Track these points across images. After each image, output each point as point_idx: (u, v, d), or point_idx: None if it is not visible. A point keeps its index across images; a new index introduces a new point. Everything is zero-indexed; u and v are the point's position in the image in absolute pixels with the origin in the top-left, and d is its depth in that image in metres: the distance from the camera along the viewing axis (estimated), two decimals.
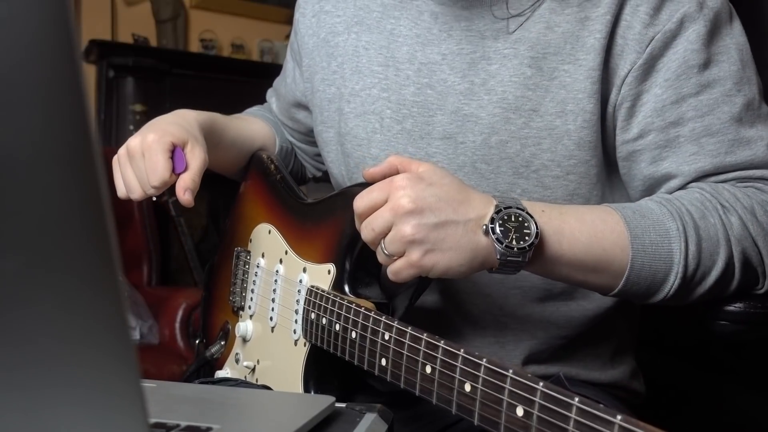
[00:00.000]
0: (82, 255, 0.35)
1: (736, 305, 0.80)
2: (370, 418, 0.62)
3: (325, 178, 1.09)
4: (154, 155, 0.85)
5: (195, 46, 3.62)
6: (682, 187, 0.80)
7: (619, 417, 0.44)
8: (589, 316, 0.89)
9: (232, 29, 3.72)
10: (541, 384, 0.50)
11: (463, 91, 0.85)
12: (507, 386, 0.53)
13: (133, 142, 0.87)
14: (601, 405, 0.46)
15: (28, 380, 0.36)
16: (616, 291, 0.76)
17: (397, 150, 0.89)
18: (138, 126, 3.19)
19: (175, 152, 0.87)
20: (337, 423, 0.61)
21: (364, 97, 0.92)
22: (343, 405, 0.64)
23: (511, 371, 0.53)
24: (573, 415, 0.47)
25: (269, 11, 3.78)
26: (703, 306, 0.80)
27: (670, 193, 0.81)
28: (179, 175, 0.87)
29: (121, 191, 0.89)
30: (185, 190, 0.86)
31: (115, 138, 3.16)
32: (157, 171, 0.84)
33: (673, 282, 0.75)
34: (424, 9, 0.90)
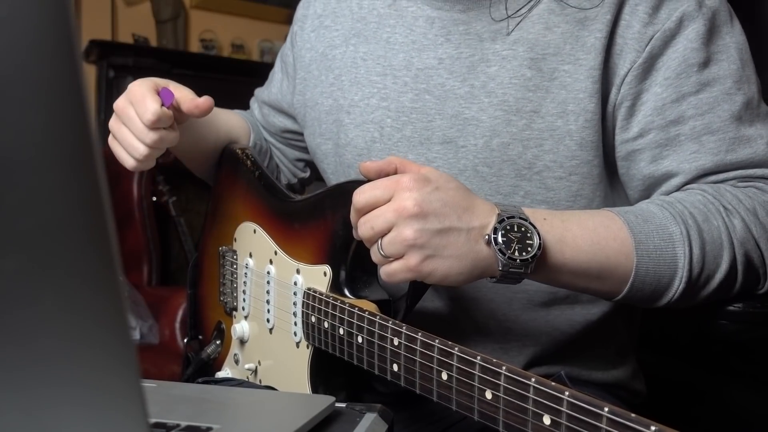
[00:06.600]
0: (82, 255, 0.35)
1: (735, 305, 0.80)
2: (370, 418, 0.62)
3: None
4: (140, 97, 0.84)
5: (195, 46, 3.62)
6: (683, 185, 0.80)
7: (653, 428, 0.43)
8: (592, 319, 0.89)
9: (232, 29, 3.72)
10: (567, 393, 0.49)
11: (464, 95, 0.85)
12: (531, 395, 0.52)
13: (118, 101, 0.86)
14: (633, 415, 0.45)
15: (28, 380, 0.36)
16: (620, 297, 0.75)
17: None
18: None
19: (160, 92, 0.86)
20: (337, 423, 0.61)
21: (363, 107, 0.92)
22: (344, 405, 0.64)
23: (533, 380, 0.52)
24: (604, 426, 0.46)
25: (269, 11, 3.78)
26: (703, 306, 0.80)
27: (670, 192, 0.81)
28: (170, 107, 0.86)
29: (126, 160, 0.88)
30: (193, 101, 0.87)
31: None
32: (148, 107, 0.83)
33: (677, 286, 0.74)
34: (419, 15, 0.90)
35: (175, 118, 0.87)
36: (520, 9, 0.82)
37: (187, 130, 0.93)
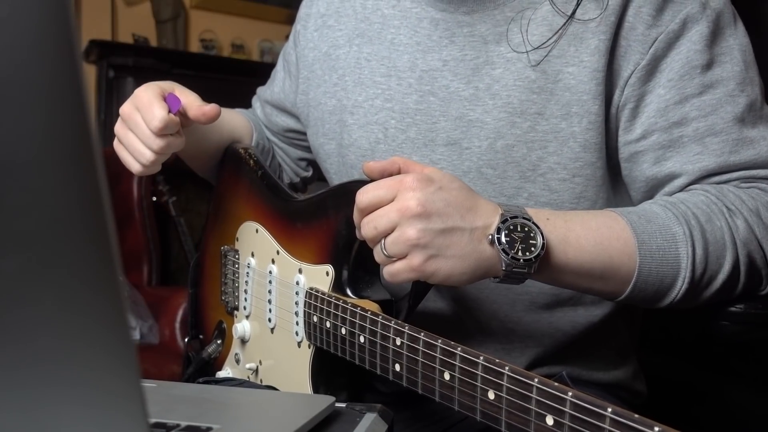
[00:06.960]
0: (82, 255, 0.35)
1: (737, 306, 0.79)
2: (370, 418, 0.62)
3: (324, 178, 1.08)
4: (147, 103, 0.84)
5: (195, 46, 3.63)
6: (686, 186, 0.80)
7: (657, 429, 0.43)
8: (594, 321, 0.89)
9: (232, 29, 3.72)
10: (570, 394, 0.49)
11: (468, 97, 0.85)
12: (534, 395, 0.52)
13: (124, 107, 0.87)
14: (636, 416, 0.45)
15: (28, 380, 0.36)
16: (623, 297, 0.75)
17: None
18: None
19: (167, 98, 0.86)
20: (337, 423, 0.61)
21: (367, 108, 0.92)
22: (344, 405, 0.64)
23: (536, 380, 0.52)
24: (607, 426, 0.46)
25: (269, 11, 3.78)
26: (704, 307, 0.80)
27: (673, 193, 0.81)
28: (176, 114, 0.86)
29: (132, 165, 0.88)
30: (200, 108, 0.86)
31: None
32: (156, 114, 0.83)
33: (680, 287, 0.74)
34: (423, 16, 0.89)
35: (180, 123, 0.87)
36: (545, 42, 0.81)
37: (190, 130, 0.93)
